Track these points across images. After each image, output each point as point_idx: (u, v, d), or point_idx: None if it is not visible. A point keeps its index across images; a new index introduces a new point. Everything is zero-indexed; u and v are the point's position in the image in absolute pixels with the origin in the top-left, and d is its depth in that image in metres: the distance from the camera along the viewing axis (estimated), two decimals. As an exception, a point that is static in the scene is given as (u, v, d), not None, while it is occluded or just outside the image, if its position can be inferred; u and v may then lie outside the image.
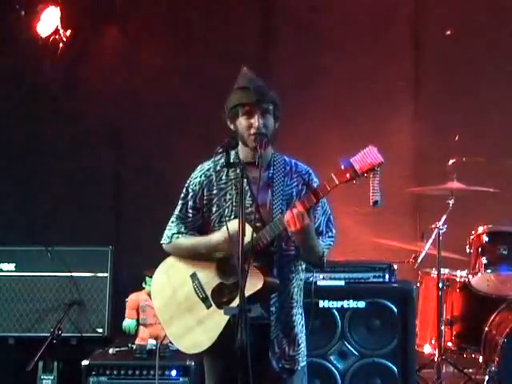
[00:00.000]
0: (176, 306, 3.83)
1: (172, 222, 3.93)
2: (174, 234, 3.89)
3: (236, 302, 3.53)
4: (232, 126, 3.77)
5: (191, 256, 3.83)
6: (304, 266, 3.88)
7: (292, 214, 3.53)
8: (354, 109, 6.79)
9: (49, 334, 5.76)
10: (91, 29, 6.86)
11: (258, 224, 3.68)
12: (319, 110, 6.81)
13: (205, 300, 3.75)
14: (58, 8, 6.68)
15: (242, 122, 3.72)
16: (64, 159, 6.85)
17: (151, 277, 5.47)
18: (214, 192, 3.81)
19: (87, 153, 6.89)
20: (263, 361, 3.71)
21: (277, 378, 3.75)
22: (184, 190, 3.90)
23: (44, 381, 5.73)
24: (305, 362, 3.85)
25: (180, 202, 3.91)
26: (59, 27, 6.67)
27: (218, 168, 3.82)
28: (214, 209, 3.80)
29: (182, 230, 3.88)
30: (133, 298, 5.66)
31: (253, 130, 3.69)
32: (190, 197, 3.87)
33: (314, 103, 6.80)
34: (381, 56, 6.82)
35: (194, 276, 3.81)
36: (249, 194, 3.73)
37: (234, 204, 3.75)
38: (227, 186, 3.79)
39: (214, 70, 6.58)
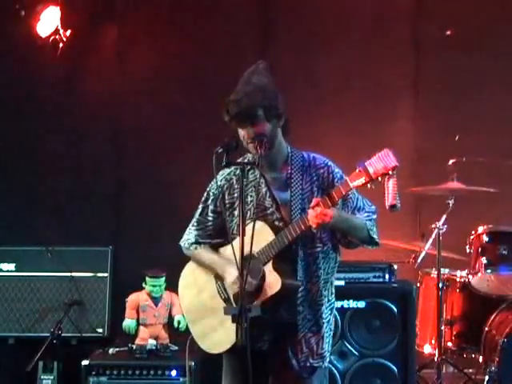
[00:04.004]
0: (201, 306, 3.87)
1: (192, 225, 3.96)
2: (192, 243, 3.93)
3: (256, 304, 3.56)
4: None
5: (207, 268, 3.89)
6: (337, 261, 3.86)
7: (313, 215, 3.54)
8: (354, 109, 6.78)
9: (49, 334, 5.77)
10: (91, 29, 6.86)
11: (280, 224, 3.71)
12: (319, 110, 6.80)
13: (226, 301, 3.78)
14: (58, 8, 6.67)
15: (239, 131, 3.73)
16: (64, 159, 6.85)
17: (151, 277, 5.56)
18: (236, 195, 3.81)
19: (87, 153, 6.89)
20: (284, 360, 3.72)
21: (296, 377, 3.74)
22: (205, 194, 3.93)
23: (44, 381, 5.74)
24: (328, 360, 3.81)
25: (201, 205, 3.94)
26: (59, 27, 6.66)
27: (239, 172, 3.77)
28: (237, 212, 3.79)
29: (201, 238, 3.91)
30: (133, 298, 5.66)
31: (248, 140, 3.69)
32: (210, 201, 3.90)
33: (314, 104, 6.80)
34: (381, 56, 6.82)
35: (217, 277, 3.84)
36: (268, 194, 3.75)
37: (255, 206, 3.76)
38: (248, 189, 3.78)
39: (214, 71, 6.58)
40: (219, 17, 6.92)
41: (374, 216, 3.85)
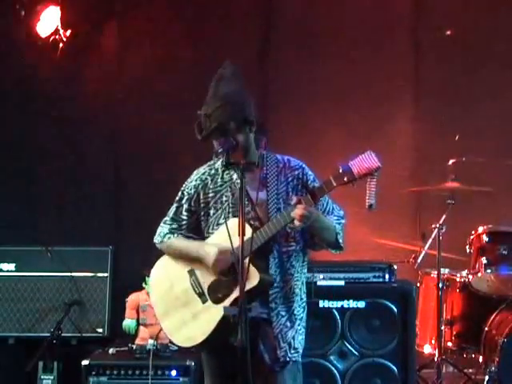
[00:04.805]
0: (172, 300, 3.89)
1: (165, 222, 4.00)
2: (166, 234, 3.96)
3: (231, 298, 3.66)
4: None
5: (183, 258, 3.90)
6: (306, 262, 3.93)
7: (298, 213, 3.61)
8: (354, 109, 6.78)
9: (49, 334, 5.77)
10: (91, 29, 6.86)
11: (255, 223, 3.75)
12: (319, 111, 6.80)
13: (201, 295, 3.82)
14: (58, 8, 6.67)
15: (213, 142, 3.80)
16: (64, 159, 6.84)
17: (151, 277, 5.54)
18: (210, 195, 3.88)
19: (87, 153, 6.89)
20: (256, 354, 3.74)
21: (269, 371, 3.78)
22: (179, 194, 3.98)
23: (44, 381, 5.73)
24: (299, 358, 3.87)
25: (174, 204, 3.98)
26: (59, 27, 6.66)
27: (213, 172, 3.91)
28: (212, 211, 3.86)
29: (175, 230, 3.95)
30: (133, 298, 5.66)
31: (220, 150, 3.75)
32: (185, 200, 3.94)
33: (314, 104, 6.80)
34: (381, 56, 6.82)
35: (191, 272, 3.87)
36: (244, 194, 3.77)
37: (230, 205, 3.82)
38: (223, 189, 3.86)
39: (214, 71, 6.57)
40: (219, 18, 6.92)
41: (343, 221, 3.95)
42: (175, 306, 3.87)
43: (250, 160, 3.76)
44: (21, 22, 6.66)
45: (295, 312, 3.84)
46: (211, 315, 3.71)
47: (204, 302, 3.80)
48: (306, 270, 3.94)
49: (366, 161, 3.58)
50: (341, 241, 3.88)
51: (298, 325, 3.85)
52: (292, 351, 3.81)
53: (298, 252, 3.86)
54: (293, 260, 3.83)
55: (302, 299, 3.88)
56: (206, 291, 3.81)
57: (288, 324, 3.81)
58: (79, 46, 6.81)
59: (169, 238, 3.94)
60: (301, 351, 3.86)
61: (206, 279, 3.81)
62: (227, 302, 3.70)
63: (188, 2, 6.94)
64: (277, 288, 3.78)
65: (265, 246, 3.72)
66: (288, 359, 3.79)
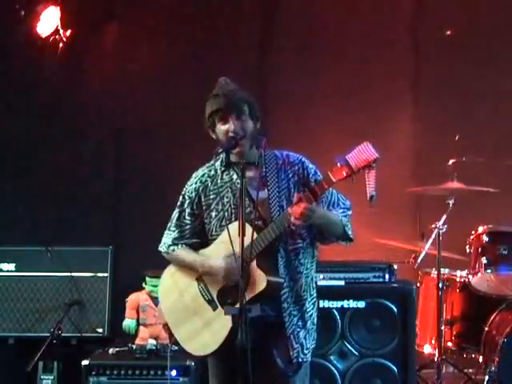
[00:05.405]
0: (183, 308, 3.86)
1: (170, 229, 3.96)
2: (169, 245, 3.93)
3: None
4: (214, 136, 3.82)
5: (189, 269, 3.88)
6: (316, 257, 3.90)
7: (298, 212, 3.56)
8: (354, 109, 6.78)
9: (49, 334, 5.77)
10: (91, 29, 6.86)
11: (258, 222, 3.71)
12: (319, 110, 6.81)
13: (210, 302, 3.79)
14: (58, 8, 6.68)
15: (219, 128, 3.76)
16: (64, 159, 6.84)
17: (151, 277, 5.55)
18: (212, 197, 3.84)
19: (87, 152, 6.89)
20: (268, 359, 3.72)
21: (281, 375, 3.75)
22: (181, 198, 3.93)
23: (44, 381, 5.74)
24: (310, 358, 3.84)
25: (177, 209, 3.94)
26: (59, 27, 6.67)
27: (213, 173, 3.87)
28: (214, 213, 3.83)
29: (178, 240, 3.91)
30: (133, 298, 5.66)
31: (230, 134, 3.71)
32: (186, 204, 3.90)
33: (313, 104, 6.81)
34: (381, 56, 6.82)
35: (199, 279, 3.84)
36: (245, 193, 3.73)
37: (232, 206, 3.78)
38: (223, 190, 3.82)
39: (214, 71, 6.56)
40: (219, 17, 6.91)
41: (349, 212, 3.88)
42: (186, 315, 3.84)
43: (249, 160, 3.73)
44: (21, 22, 6.66)
45: (307, 310, 3.80)
46: (223, 322, 3.66)
47: (214, 308, 3.77)
48: (315, 266, 3.89)
49: (363, 152, 3.52)
50: (350, 232, 3.82)
51: (309, 324, 3.80)
52: (305, 351, 3.78)
53: (306, 248, 3.81)
54: (301, 257, 3.78)
55: (311, 295, 3.84)
56: (215, 298, 3.78)
57: (300, 324, 3.77)
58: (79, 46, 6.81)
59: (173, 250, 3.91)
60: (312, 351, 3.82)
61: (215, 285, 3.78)
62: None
63: (188, 3, 6.94)
64: (287, 288, 3.74)
65: (271, 246, 3.68)
66: (300, 360, 3.75)
